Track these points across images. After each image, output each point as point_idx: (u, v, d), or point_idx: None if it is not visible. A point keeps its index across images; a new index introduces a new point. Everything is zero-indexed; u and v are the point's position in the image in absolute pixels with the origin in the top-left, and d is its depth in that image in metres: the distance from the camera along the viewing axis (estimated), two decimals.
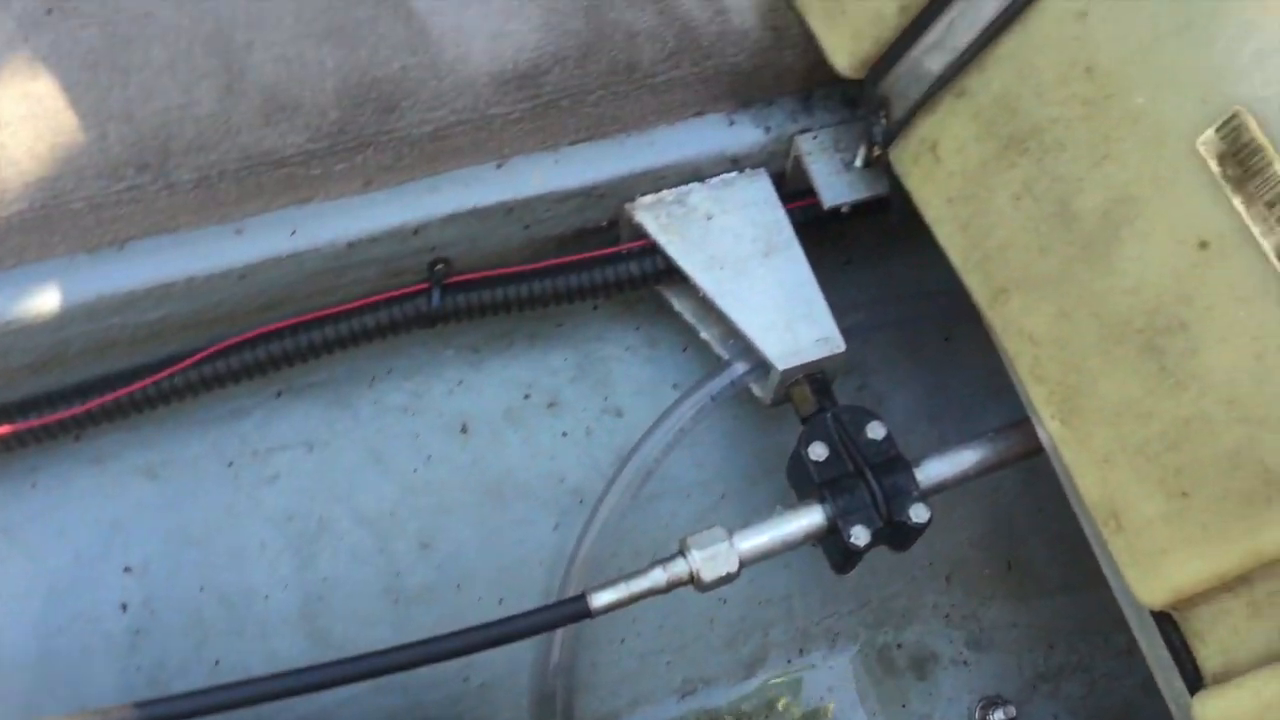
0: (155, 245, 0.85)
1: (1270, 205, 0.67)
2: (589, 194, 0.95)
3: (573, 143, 0.94)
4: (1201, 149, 0.70)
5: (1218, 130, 0.69)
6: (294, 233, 0.88)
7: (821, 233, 1.01)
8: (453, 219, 0.92)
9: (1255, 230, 0.68)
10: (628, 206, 0.97)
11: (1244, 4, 0.68)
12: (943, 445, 0.94)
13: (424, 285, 0.95)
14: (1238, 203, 0.69)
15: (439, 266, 0.95)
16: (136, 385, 0.90)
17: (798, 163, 0.99)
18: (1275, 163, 0.67)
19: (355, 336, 0.94)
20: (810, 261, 0.97)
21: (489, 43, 0.89)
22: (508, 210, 0.93)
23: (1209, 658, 0.76)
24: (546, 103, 0.90)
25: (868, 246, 1.12)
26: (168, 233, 0.85)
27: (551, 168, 0.94)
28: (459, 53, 0.88)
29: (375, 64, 0.86)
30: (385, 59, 0.87)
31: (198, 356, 0.91)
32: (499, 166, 0.92)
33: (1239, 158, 0.68)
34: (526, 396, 1.05)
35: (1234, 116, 0.68)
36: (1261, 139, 0.67)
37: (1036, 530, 1.14)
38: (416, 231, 0.91)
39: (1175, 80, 0.71)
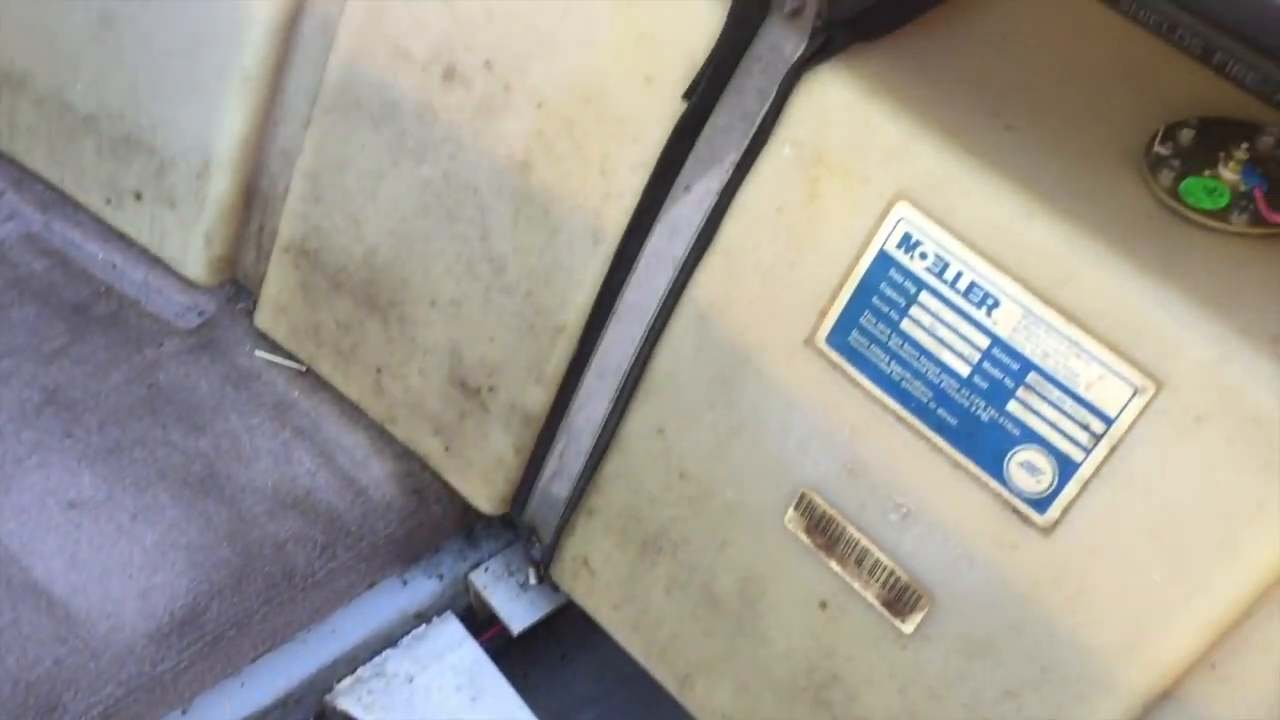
0: None
1: (859, 562, 0.76)
2: (285, 702, 0.95)
3: (254, 659, 0.95)
4: (790, 526, 0.79)
5: (795, 509, 0.78)
6: None
7: (531, 638, 1.05)
8: None
9: (855, 585, 0.76)
10: (328, 698, 0.98)
11: (774, 407, 0.78)
12: None
13: None
14: (834, 565, 0.77)
15: None
16: None
17: (478, 596, 1.04)
18: (848, 527, 0.76)
19: None
20: (525, 668, 1.00)
21: (139, 602, 0.90)
22: None
23: None
24: (213, 639, 0.91)
25: (580, 633, 1.15)
26: None
27: (239, 692, 0.94)
28: (111, 624, 0.88)
29: (25, 667, 0.85)
30: (35, 658, 0.86)
31: None
32: (184, 713, 0.92)
33: (820, 528, 0.77)
34: None
35: (803, 496, 0.78)
36: (830, 510, 0.77)
37: None
38: None
39: (749, 474, 0.80)
